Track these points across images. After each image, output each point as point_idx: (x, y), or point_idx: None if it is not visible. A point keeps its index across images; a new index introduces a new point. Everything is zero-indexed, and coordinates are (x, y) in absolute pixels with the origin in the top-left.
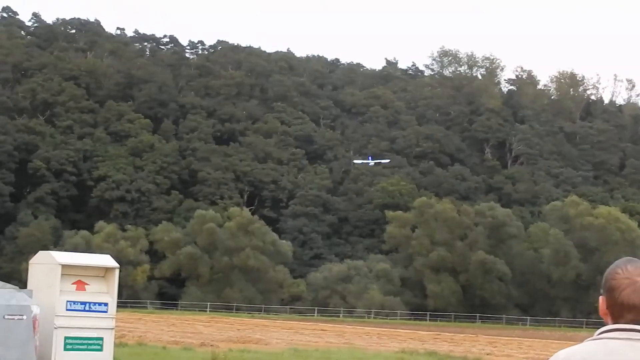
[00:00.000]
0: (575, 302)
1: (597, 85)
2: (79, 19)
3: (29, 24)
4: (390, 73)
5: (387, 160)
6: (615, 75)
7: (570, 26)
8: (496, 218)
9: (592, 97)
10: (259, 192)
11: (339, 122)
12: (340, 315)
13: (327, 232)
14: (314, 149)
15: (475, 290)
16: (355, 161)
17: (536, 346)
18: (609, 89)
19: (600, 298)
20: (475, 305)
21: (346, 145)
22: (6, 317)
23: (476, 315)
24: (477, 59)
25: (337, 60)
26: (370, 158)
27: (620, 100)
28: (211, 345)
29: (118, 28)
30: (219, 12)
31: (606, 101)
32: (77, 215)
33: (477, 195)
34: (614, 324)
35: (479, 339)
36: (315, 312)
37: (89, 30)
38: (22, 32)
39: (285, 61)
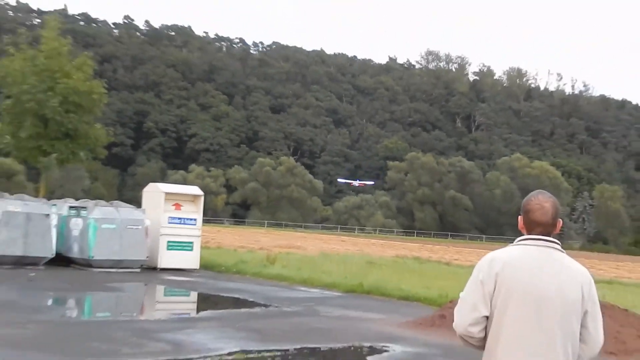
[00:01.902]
0: (515, 226)
1: (535, 77)
2: (176, 25)
3: (143, 27)
4: (391, 66)
5: (371, 183)
6: (548, 70)
7: (519, 33)
8: (463, 168)
9: (532, 85)
10: (300, 147)
11: (355, 100)
12: (355, 231)
13: (346, 174)
14: (338, 117)
15: (448, 217)
16: (340, 180)
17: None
18: (544, 79)
19: (520, 217)
20: (447, 227)
21: (360, 115)
22: (128, 227)
23: (448, 234)
24: (452, 57)
25: (355, 56)
26: (357, 180)
27: (552, 88)
28: (267, 249)
29: (204, 32)
30: (275, 20)
31: (542, 88)
32: (177, 160)
33: (450, 152)
34: (528, 235)
35: (450, 250)
36: (338, 229)
37: (184, 33)
38: (138, 33)
39: (319, 57)
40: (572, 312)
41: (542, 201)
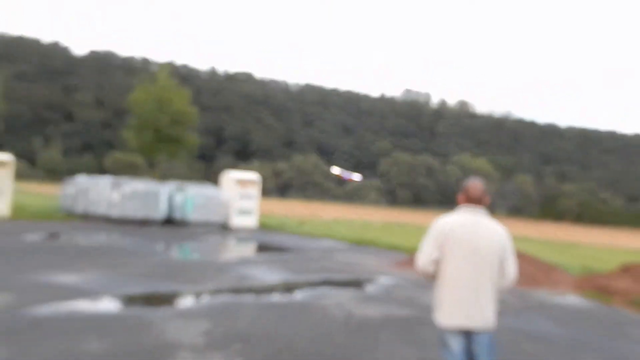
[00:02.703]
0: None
1: (474, 104)
2: (243, 71)
3: (222, 72)
4: (382, 97)
5: (360, 179)
6: (486, 100)
7: (468, 75)
8: (429, 163)
9: (474, 110)
10: (321, 148)
11: (358, 117)
12: (357, 205)
13: (349, 166)
14: (347, 128)
15: (419, 196)
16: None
17: None
18: (483, 105)
19: (460, 195)
20: (418, 202)
21: (362, 127)
22: (211, 200)
23: (419, 207)
24: (422, 93)
25: (359, 92)
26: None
27: (487, 111)
28: (299, 216)
29: (262, 75)
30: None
31: (481, 111)
32: (243, 157)
33: (421, 152)
34: (466, 205)
35: (420, 217)
36: (346, 203)
37: (247, 75)
38: (219, 75)
39: (335, 92)
40: (494, 257)
41: (475, 183)
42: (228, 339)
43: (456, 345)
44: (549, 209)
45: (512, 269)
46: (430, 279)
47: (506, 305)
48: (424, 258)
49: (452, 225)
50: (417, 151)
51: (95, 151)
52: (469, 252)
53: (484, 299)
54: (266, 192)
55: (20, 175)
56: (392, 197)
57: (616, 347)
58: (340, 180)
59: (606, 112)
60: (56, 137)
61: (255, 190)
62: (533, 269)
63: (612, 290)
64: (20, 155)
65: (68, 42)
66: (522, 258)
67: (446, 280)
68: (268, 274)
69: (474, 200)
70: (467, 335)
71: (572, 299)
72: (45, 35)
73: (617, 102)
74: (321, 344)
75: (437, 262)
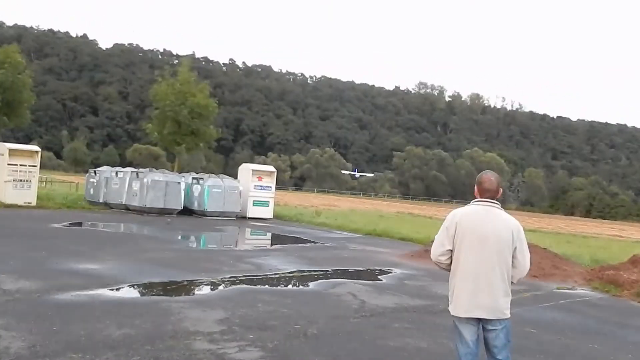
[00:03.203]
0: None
1: (488, 99)
2: (262, 64)
3: (241, 65)
4: (396, 91)
5: (371, 175)
6: (496, 94)
7: (480, 68)
8: (441, 157)
9: (486, 104)
10: (337, 142)
11: (373, 113)
12: (372, 196)
13: (364, 161)
14: (362, 124)
15: (431, 188)
16: (343, 171)
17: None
18: (493, 100)
19: (475, 187)
20: (430, 194)
21: (376, 122)
22: (228, 190)
23: (431, 199)
24: (435, 86)
25: (374, 85)
26: (355, 170)
27: (498, 106)
28: (315, 206)
29: (279, 68)
30: (323, 59)
31: (492, 106)
32: (260, 149)
33: (433, 147)
34: (480, 198)
35: (432, 209)
36: (361, 194)
37: (266, 69)
38: (237, 70)
39: (351, 85)
40: (505, 247)
41: (489, 176)
42: (245, 326)
43: (469, 334)
44: (558, 202)
45: (524, 260)
46: (444, 269)
47: (516, 295)
48: (437, 249)
49: (463, 216)
50: (429, 145)
51: (118, 143)
52: (478, 243)
53: (496, 288)
54: (283, 183)
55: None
56: (405, 190)
57: (623, 336)
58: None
59: (616, 105)
60: (81, 130)
61: (271, 182)
62: (543, 261)
63: (621, 282)
64: (47, 146)
65: (95, 35)
66: (532, 249)
67: (459, 270)
68: (283, 264)
69: (487, 193)
70: (482, 324)
71: (582, 290)
72: (74, 28)
73: (626, 95)
74: (335, 330)
75: (450, 253)
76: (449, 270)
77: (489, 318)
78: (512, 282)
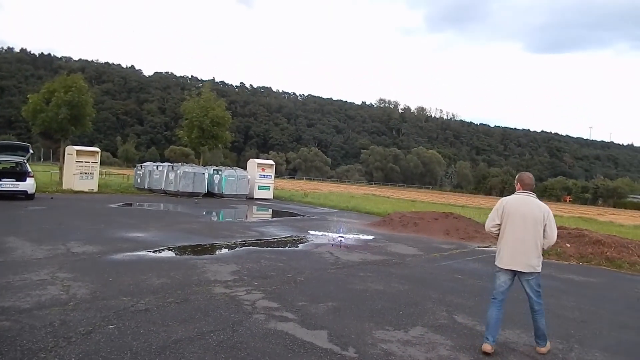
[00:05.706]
0: (410, 180)
1: (429, 110)
2: (264, 85)
3: (248, 86)
4: (363, 105)
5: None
6: (436, 107)
7: (427, 85)
8: (396, 153)
9: (428, 114)
10: (321, 143)
11: (346, 121)
12: (345, 182)
13: (341, 154)
14: (338, 129)
15: (389, 176)
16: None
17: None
18: (434, 111)
19: (517, 183)
20: (388, 181)
21: (349, 128)
22: (240, 178)
23: (388, 184)
24: (391, 101)
25: (347, 100)
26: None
27: (437, 115)
28: (304, 190)
29: (277, 88)
30: (309, 80)
31: (432, 115)
32: (264, 148)
33: (390, 146)
34: (521, 190)
35: (389, 192)
36: (337, 181)
37: (267, 89)
38: (246, 90)
39: (329, 100)
40: (538, 223)
41: (529, 175)
42: (251, 276)
43: (503, 278)
44: (480, 186)
45: (552, 233)
46: (493, 236)
47: (448, 252)
48: (489, 223)
49: (509, 201)
50: (387, 145)
51: (158, 145)
52: (519, 220)
53: (530, 251)
54: (280, 173)
55: (104, 163)
56: (370, 177)
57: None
58: (336, 165)
59: (522, 115)
60: (131, 136)
61: (271, 172)
62: (468, 227)
63: None
64: (105, 149)
65: (140, 66)
66: (460, 219)
67: (504, 238)
68: (280, 231)
69: (526, 186)
70: (520, 277)
71: (495, 248)
72: (124, 60)
73: (530, 107)
74: (316, 278)
75: (499, 227)
76: (497, 238)
77: (524, 271)
78: (543, 248)
